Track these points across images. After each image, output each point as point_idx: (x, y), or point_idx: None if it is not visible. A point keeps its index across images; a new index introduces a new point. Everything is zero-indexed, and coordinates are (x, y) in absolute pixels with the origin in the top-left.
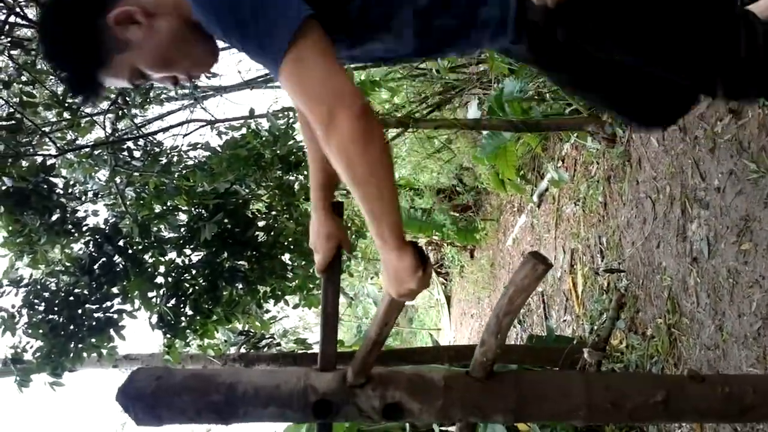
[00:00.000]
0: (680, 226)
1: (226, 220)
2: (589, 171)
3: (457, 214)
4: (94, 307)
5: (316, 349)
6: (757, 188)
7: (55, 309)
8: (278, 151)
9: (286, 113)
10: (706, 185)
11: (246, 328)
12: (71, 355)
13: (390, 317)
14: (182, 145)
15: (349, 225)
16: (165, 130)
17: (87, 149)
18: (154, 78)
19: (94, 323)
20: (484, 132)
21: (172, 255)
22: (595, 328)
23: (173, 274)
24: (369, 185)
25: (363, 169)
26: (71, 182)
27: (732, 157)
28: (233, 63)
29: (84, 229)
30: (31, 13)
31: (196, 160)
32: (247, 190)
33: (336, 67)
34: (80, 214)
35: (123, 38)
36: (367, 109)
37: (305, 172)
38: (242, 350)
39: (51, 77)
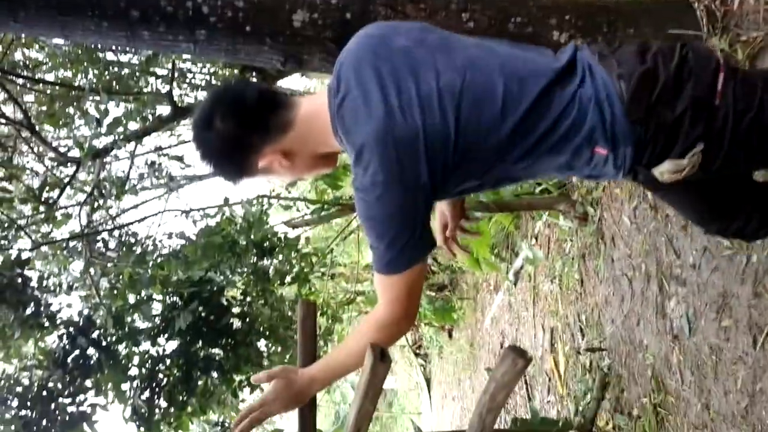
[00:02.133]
0: (659, 303)
1: (200, 309)
2: (563, 249)
3: (434, 294)
4: (67, 401)
5: None
6: (732, 264)
7: (28, 404)
8: (253, 237)
9: (260, 200)
10: (682, 262)
11: (221, 419)
12: None
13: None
14: (157, 234)
15: (325, 309)
16: (140, 220)
17: (62, 242)
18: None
19: (66, 418)
20: None
21: (146, 345)
22: (581, 409)
23: (147, 365)
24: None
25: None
26: (46, 275)
27: (705, 234)
28: None
29: (58, 322)
30: (8, 111)
31: (171, 249)
32: (221, 277)
33: (416, 294)
34: (54, 307)
35: (265, 169)
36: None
37: (280, 257)
38: None
39: (27, 172)
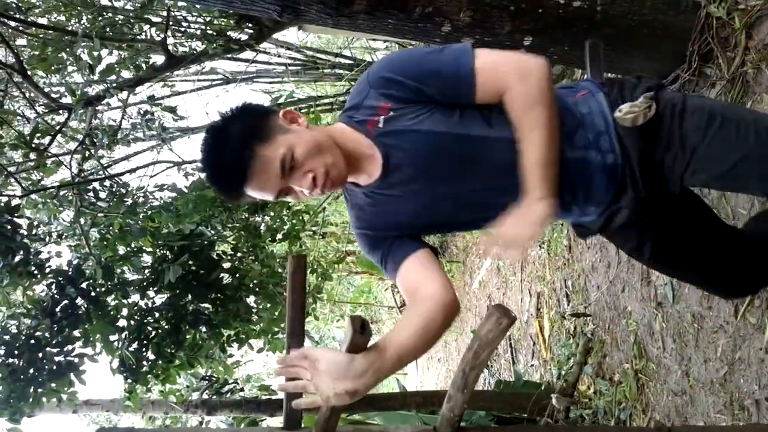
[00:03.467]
0: (644, 270)
1: (190, 262)
2: None
3: None
4: (54, 350)
5: (281, 395)
6: None
7: (15, 352)
8: None
9: None
10: None
11: (209, 373)
12: (30, 399)
13: None
14: (148, 185)
15: (315, 267)
16: (132, 171)
17: (52, 190)
18: (298, 169)
19: (54, 367)
20: None
21: (135, 297)
22: (563, 373)
23: (136, 317)
24: (548, 129)
25: (548, 111)
26: (35, 223)
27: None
28: (200, 104)
29: (47, 270)
30: (0, 53)
31: (162, 201)
32: (212, 232)
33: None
34: (43, 255)
35: (287, 125)
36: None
37: (271, 213)
38: (204, 396)
39: (18, 118)
